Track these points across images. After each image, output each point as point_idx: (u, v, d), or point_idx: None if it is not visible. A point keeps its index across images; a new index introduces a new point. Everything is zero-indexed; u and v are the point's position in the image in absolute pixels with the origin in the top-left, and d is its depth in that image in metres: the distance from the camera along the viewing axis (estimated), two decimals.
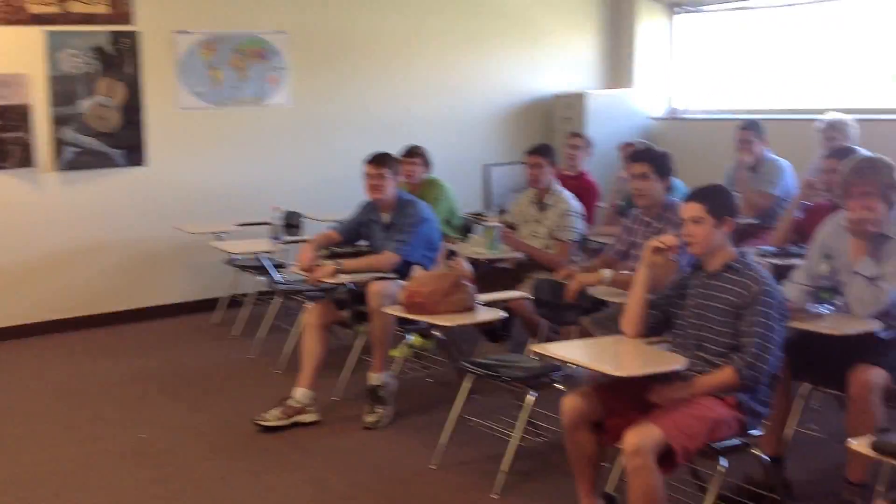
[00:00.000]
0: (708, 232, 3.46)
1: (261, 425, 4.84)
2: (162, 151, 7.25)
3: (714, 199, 3.50)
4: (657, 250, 3.63)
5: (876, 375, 3.56)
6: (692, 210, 3.48)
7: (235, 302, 7.12)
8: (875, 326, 3.67)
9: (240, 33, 7.49)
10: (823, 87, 7.80)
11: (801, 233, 5.12)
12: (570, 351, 3.75)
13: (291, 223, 6.93)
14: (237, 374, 5.90)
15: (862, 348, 3.65)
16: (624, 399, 3.40)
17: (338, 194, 7.65)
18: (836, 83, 7.74)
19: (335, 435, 4.82)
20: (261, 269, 6.68)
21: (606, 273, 4.38)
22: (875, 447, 2.44)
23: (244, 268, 6.88)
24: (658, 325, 3.63)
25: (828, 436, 4.35)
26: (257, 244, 6.47)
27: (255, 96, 7.62)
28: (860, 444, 2.50)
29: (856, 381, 3.57)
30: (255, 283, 6.89)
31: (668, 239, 3.63)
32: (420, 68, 8.29)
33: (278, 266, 6.70)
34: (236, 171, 7.58)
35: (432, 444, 4.45)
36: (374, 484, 4.24)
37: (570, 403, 3.43)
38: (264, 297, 6.98)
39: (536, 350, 3.72)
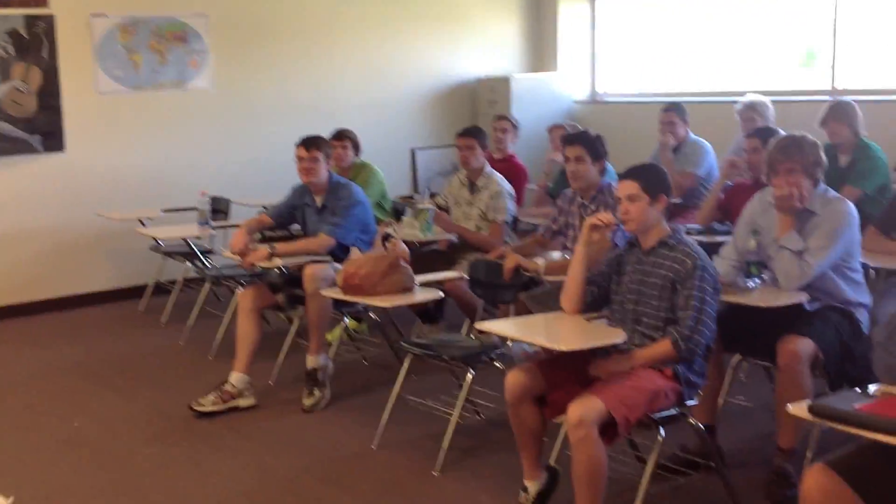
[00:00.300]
0: (643, 209, 3.54)
1: (197, 411, 4.80)
2: (81, 136, 7.09)
3: (649, 177, 3.59)
4: (595, 228, 3.70)
5: (803, 346, 3.69)
6: (628, 188, 3.56)
7: (161, 289, 7.02)
8: (802, 299, 3.81)
9: (159, 17, 7.36)
10: (741, 70, 8.01)
11: (725, 211, 5.28)
12: (513, 328, 3.81)
13: (219, 208, 6.85)
14: (168, 362, 5.83)
15: (789, 320, 3.79)
16: (566, 373, 3.47)
17: (265, 178, 7.61)
18: (752, 66, 7.96)
19: (274, 419, 4.80)
20: (188, 255, 6.60)
21: (541, 262, 4.46)
22: (812, 410, 2.55)
23: (170, 254, 6.78)
24: (596, 300, 3.71)
25: (756, 405, 4.51)
26: (185, 230, 6.38)
27: (176, 80, 7.50)
28: (798, 409, 2.60)
29: (784, 352, 3.70)
30: (181, 269, 6.80)
31: (606, 217, 3.71)
32: (344, 51, 8.25)
33: (206, 252, 6.64)
34: (160, 156, 7.45)
35: (372, 425, 4.47)
36: (317, 465, 4.24)
37: (514, 379, 3.49)
38: (191, 283, 6.90)
39: (481, 327, 3.76)
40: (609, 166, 4.94)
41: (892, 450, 2.37)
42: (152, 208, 6.96)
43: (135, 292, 7.18)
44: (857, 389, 2.65)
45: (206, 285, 6.40)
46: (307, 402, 4.90)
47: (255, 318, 5.09)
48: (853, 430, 2.44)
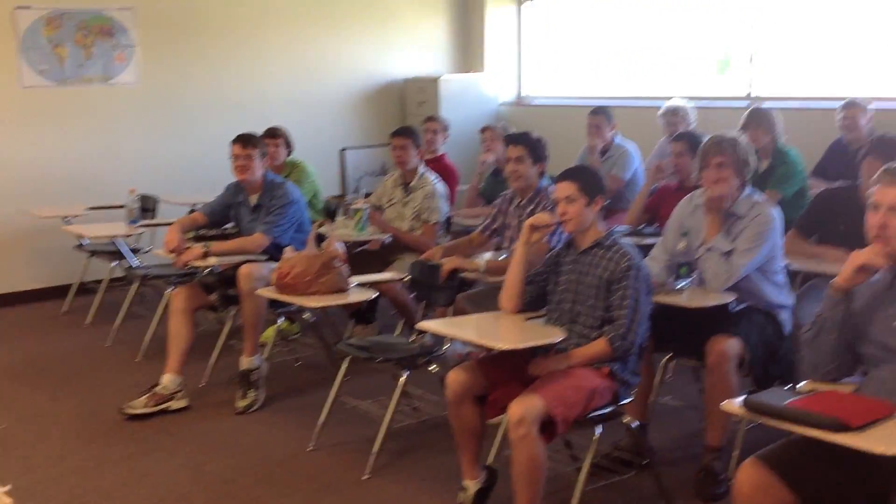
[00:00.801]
0: (580, 210, 3.63)
1: (128, 413, 4.74)
2: (4, 132, 6.93)
3: (586, 179, 3.68)
4: (534, 229, 3.78)
5: (731, 345, 3.83)
6: (566, 189, 3.64)
7: (85, 289, 6.89)
8: (729, 299, 3.94)
9: (84, 10, 7.22)
10: (664, 75, 8.21)
11: (652, 213, 5.42)
12: (454, 327, 3.86)
13: (147, 207, 6.76)
14: (95, 363, 5.73)
15: (717, 320, 3.92)
16: (505, 372, 3.54)
17: (193, 176, 7.54)
18: (675, 71, 8.16)
19: (207, 420, 4.77)
20: (114, 254, 6.50)
21: (481, 262, 4.53)
22: (746, 406, 2.65)
23: (96, 253, 6.67)
24: (534, 300, 3.78)
25: (683, 405, 4.65)
26: (113, 228, 6.28)
27: (102, 75, 7.38)
28: (732, 405, 2.70)
29: (713, 351, 3.83)
30: (106, 268, 6.68)
31: (544, 218, 3.79)
32: (274, 48, 8.20)
33: (134, 251, 6.54)
34: (85, 153, 7.32)
35: (307, 426, 4.48)
36: (251, 466, 4.23)
37: (455, 378, 3.54)
38: (116, 283, 6.79)
39: (422, 327, 3.81)
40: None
41: (820, 443, 2.49)
42: (77, 206, 6.82)
43: (58, 292, 7.03)
44: (787, 387, 2.78)
45: (134, 285, 6.30)
46: (241, 403, 4.88)
47: (188, 318, 5.04)
48: (785, 426, 2.55)
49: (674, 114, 6.52)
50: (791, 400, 2.59)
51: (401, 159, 5.71)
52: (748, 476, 2.64)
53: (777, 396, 2.65)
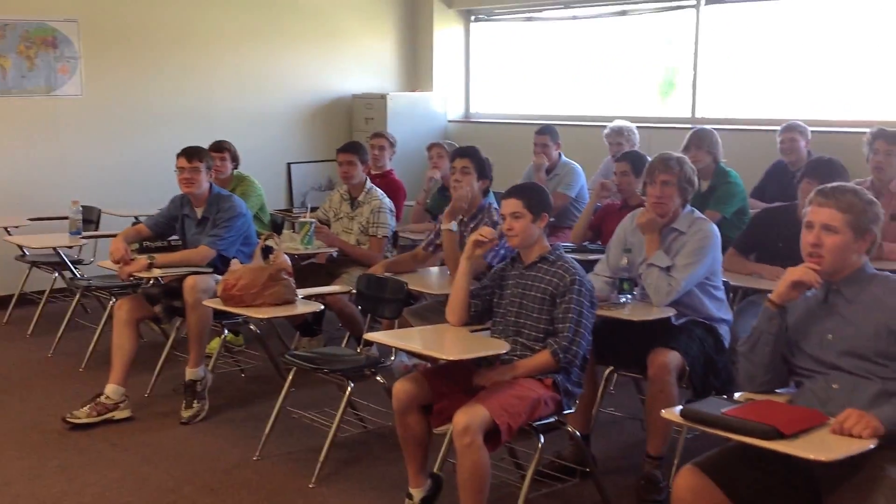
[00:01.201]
0: (526, 226, 3.70)
1: (71, 423, 4.70)
2: None
3: (532, 196, 3.75)
4: (478, 244, 3.84)
5: (671, 358, 3.92)
6: (512, 206, 3.71)
7: (27, 300, 6.80)
8: (669, 313, 4.04)
9: (28, 21, 7.17)
10: (609, 97, 8.37)
11: (596, 231, 5.53)
12: (401, 339, 3.90)
13: (89, 218, 6.70)
14: (37, 374, 5.67)
15: (658, 334, 4.02)
16: (451, 383, 3.59)
17: (137, 188, 7.49)
18: (619, 93, 8.33)
19: (151, 430, 4.75)
20: (56, 265, 6.43)
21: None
22: (684, 415, 2.74)
23: (38, 264, 6.59)
24: (480, 313, 3.84)
25: (625, 415, 4.74)
26: (55, 239, 6.22)
27: (44, 86, 7.32)
28: (670, 413, 2.79)
29: (654, 364, 3.93)
30: (46, 280, 6.60)
31: (488, 232, 3.86)
32: (220, 63, 8.20)
33: (76, 262, 6.48)
34: (27, 164, 7.25)
35: (253, 437, 4.48)
36: (196, 476, 4.22)
37: (402, 388, 3.58)
38: (58, 294, 6.72)
39: (369, 338, 3.84)
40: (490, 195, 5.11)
41: (754, 450, 2.58)
42: (19, 216, 6.73)
43: None
44: (724, 396, 2.87)
45: (76, 296, 6.24)
46: (186, 413, 4.86)
47: (132, 329, 5.02)
48: (720, 433, 2.63)
49: (618, 134, 6.66)
50: (727, 409, 2.68)
51: (347, 175, 5.74)
52: (685, 482, 2.72)
53: (713, 405, 2.74)
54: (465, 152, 4.81)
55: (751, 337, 2.97)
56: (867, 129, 5.30)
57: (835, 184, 2.94)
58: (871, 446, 2.50)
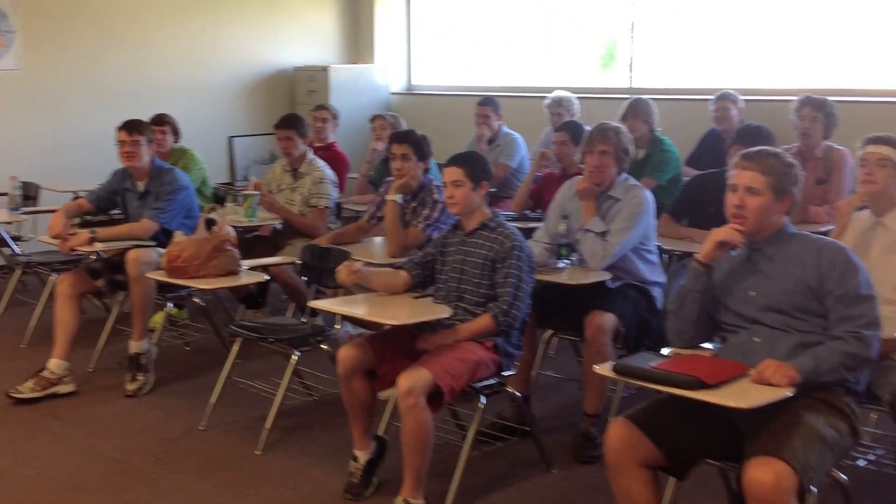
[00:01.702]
0: (467, 194, 3.79)
1: (15, 398, 4.70)
2: None
3: (472, 165, 3.84)
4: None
5: (607, 320, 4.07)
6: (453, 174, 3.80)
7: None
8: (605, 277, 4.18)
9: None
10: (549, 68, 8.47)
11: (536, 199, 5.64)
12: (346, 305, 3.97)
13: (28, 194, 6.64)
14: None
15: (595, 297, 4.15)
16: (395, 348, 3.69)
17: (76, 163, 7.42)
18: (559, 64, 8.43)
19: (96, 404, 4.77)
20: None
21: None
22: (615, 369, 2.86)
23: None
24: (423, 280, 3.93)
25: (564, 377, 4.88)
26: None
27: None
28: (603, 368, 2.91)
29: (590, 326, 4.06)
30: None
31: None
32: (160, 36, 8.13)
33: (15, 238, 6.42)
34: None
35: (199, 408, 4.53)
36: (143, 446, 4.26)
37: (346, 354, 3.66)
38: None
39: (314, 306, 3.91)
40: (433, 163, 5.18)
41: (681, 401, 2.71)
42: None
43: None
44: (653, 352, 3.00)
45: (17, 273, 6.19)
46: (131, 386, 4.89)
47: (74, 304, 5.02)
48: (649, 385, 2.76)
49: (558, 104, 6.76)
50: (655, 362, 2.81)
51: (286, 150, 5.77)
52: (617, 433, 2.85)
53: (643, 360, 2.87)
54: (403, 137, 4.85)
55: (679, 295, 3.10)
56: (795, 98, 5.47)
57: (757, 148, 3.06)
58: (789, 394, 2.65)
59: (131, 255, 4.91)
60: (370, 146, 6.77)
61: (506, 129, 6.79)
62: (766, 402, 2.59)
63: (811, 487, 2.63)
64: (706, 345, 3.12)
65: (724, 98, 6.41)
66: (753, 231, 2.97)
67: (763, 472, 2.54)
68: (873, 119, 5.87)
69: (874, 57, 6.71)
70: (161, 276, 4.56)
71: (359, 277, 3.79)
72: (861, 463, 3.69)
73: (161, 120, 6.33)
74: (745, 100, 6.47)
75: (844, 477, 2.92)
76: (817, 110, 5.26)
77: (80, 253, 5.15)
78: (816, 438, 2.66)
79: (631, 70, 7.80)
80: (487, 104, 6.77)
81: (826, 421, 2.73)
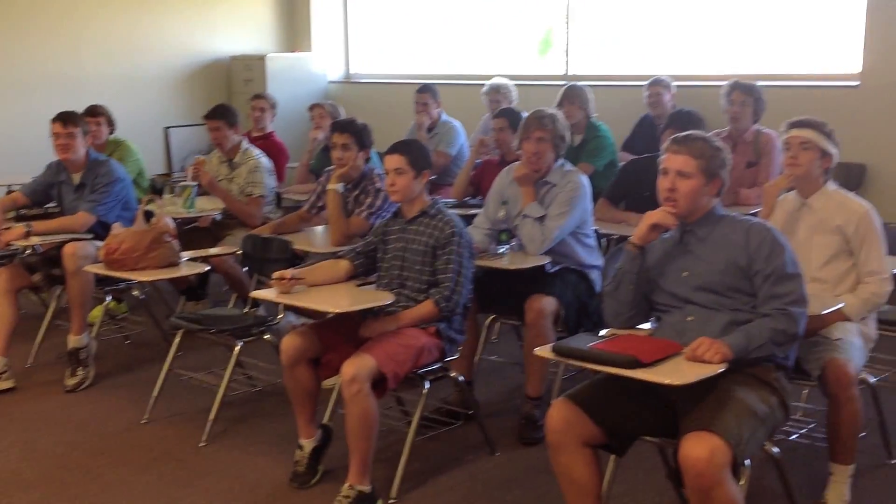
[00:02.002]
0: (409, 182, 3.82)
1: None
2: None
3: (414, 153, 3.87)
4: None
5: (547, 303, 4.14)
6: (395, 161, 3.83)
7: None
8: (545, 261, 4.25)
9: None
10: (486, 55, 8.53)
11: (476, 186, 5.69)
12: (288, 295, 3.97)
13: None
14: None
15: (535, 281, 4.22)
16: (338, 336, 3.71)
17: (9, 157, 7.28)
18: (496, 51, 8.50)
19: (36, 399, 4.72)
20: None
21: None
22: (555, 350, 2.93)
23: None
24: (365, 269, 3.96)
25: (507, 362, 4.95)
26: None
27: None
28: (543, 350, 2.98)
29: (531, 309, 4.13)
30: None
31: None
32: (93, 26, 8.02)
33: None
34: None
35: (141, 401, 4.51)
36: (85, 441, 4.23)
37: (290, 342, 3.68)
38: None
39: (255, 296, 3.92)
40: (373, 152, 5.20)
41: (618, 380, 2.78)
42: None
43: None
44: (592, 333, 3.08)
45: None
46: (70, 381, 4.84)
47: (11, 299, 4.96)
48: (587, 365, 2.84)
49: (496, 91, 6.82)
50: (593, 343, 2.88)
51: (218, 141, 5.72)
52: (558, 412, 2.91)
53: (582, 341, 2.95)
54: (344, 127, 4.85)
55: (615, 277, 3.18)
56: (725, 83, 5.60)
57: (686, 132, 3.15)
58: (721, 370, 2.74)
59: (68, 248, 4.85)
60: (310, 135, 6.76)
61: (445, 116, 6.83)
62: (699, 379, 2.68)
63: (745, 461, 2.73)
64: (643, 325, 3.20)
65: (657, 84, 6.53)
66: (685, 213, 3.05)
67: (697, 447, 2.62)
68: (800, 103, 6.04)
69: (799, 42, 6.89)
70: (100, 270, 4.52)
71: (293, 284, 3.76)
72: (793, 437, 3.83)
73: (95, 111, 6.25)
74: (677, 85, 6.60)
75: (777, 450, 3.03)
76: (746, 95, 5.39)
77: (15, 247, 5.07)
78: (748, 413, 2.75)
79: (567, 57, 7.90)
80: (426, 92, 6.80)
81: (758, 396, 2.82)
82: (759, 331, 2.85)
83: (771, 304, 2.90)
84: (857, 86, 6.31)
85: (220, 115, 5.76)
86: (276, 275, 3.77)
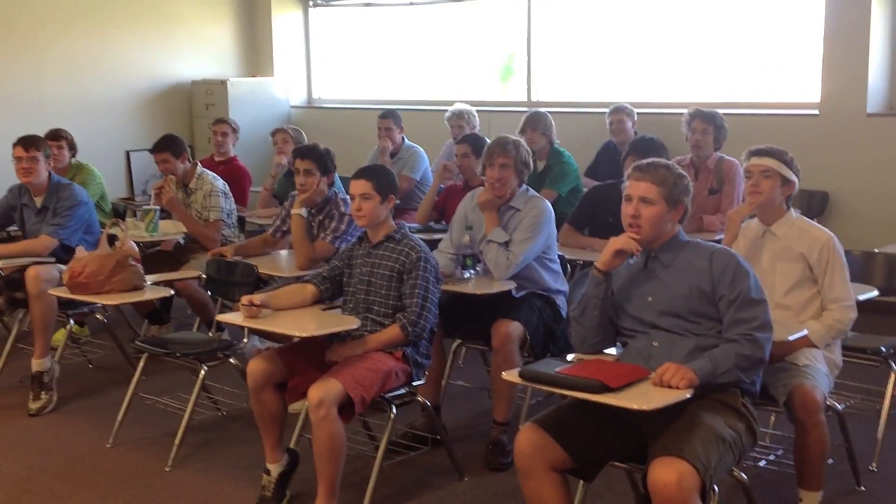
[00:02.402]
0: (375, 207, 3.85)
1: None
2: None
3: (380, 178, 3.90)
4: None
5: (513, 328, 4.17)
6: (362, 187, 3.85)
7: None
8: (510, 286, 4.28)
9: None
10: (449, 81, 8.61)
11: (440, 211, 5.73)
12: (254, 319, 3.96)
13: None
14: None
15: (501, 306, 4.25)
16: (305, 360, 3.71)
17: None
18: (459, 78, 8.58)
19: None
20: None
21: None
22: (522, 375, 2.96)
23: None
24: (330, 293, 3.97)
25: (474, 387, 4.97)
26: None
27: None
28: (510, 375, 3.01)
29: (497, 334, 4.16)
30: None
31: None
32: (55, 50, 7.98)
33: None
34: None
35: (105, 425, 4.47)
36: (50, 465, 4.20)
37: (256, 366, 3.68)
38: None
39: (221, 320, 3.90)
40: (336, 176, 5.21)
41: (586, 405, 2.81)
42: None
43: None
44: (559, 358, 3.11)
45: None
46: (34, 405, 4.79)
47: None
48: (555, 390, 2.87)
49: (459, 117, 6.88)
50: (560, 368, 2.91)
51: (167, 172, 5.68)
52: (526, 437, 2.93)
53: (549, 366, 2.97)
54: (306, 153, 4.85)
55: (581, 302, 3.22)
56: (686, 111, 5.70)
57: (649, 160, 3.21)
58: (688, 395, 2.78)
59: (31, 272, 4.82)
60: (274, 160, 6.76)
61: (408, 142, 6.87)
62: (666, 404, 2.72)
63: (713, 486, 2.76)
64: (609, 350, 3.24)
65: (619, 111, 6.64)
66: (648, 239, 3.11)
67: (666, 472, 2.65)
68: (762, 130, 6.21)
69: (760, 71, 7.05)
70: (63, 293, 4.49)
71: (259, 311, 3.74)
72: (762, 463, 3.88)
73: (57, 135, 6.21)
74: (640, 113, 6.70)
75: (745, 476, 3.07)
76: (707, 123, 5.50)
77: None
78: (716, 438, 2.79)
79: (529, 83, 7.99)
80: (389, 117, 6.84)
81: (724, 421, 2.86)
82: (725, 356, 2.89)
83: (736, 330, 2.94)
84: (816, 114, 6.46)
85: (165, 146, 5.72)
86: (243, 300, 3.77)
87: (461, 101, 7.10)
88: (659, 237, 3.11)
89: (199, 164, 5.85)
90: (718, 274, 2.99)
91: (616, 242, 3.11)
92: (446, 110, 6.99)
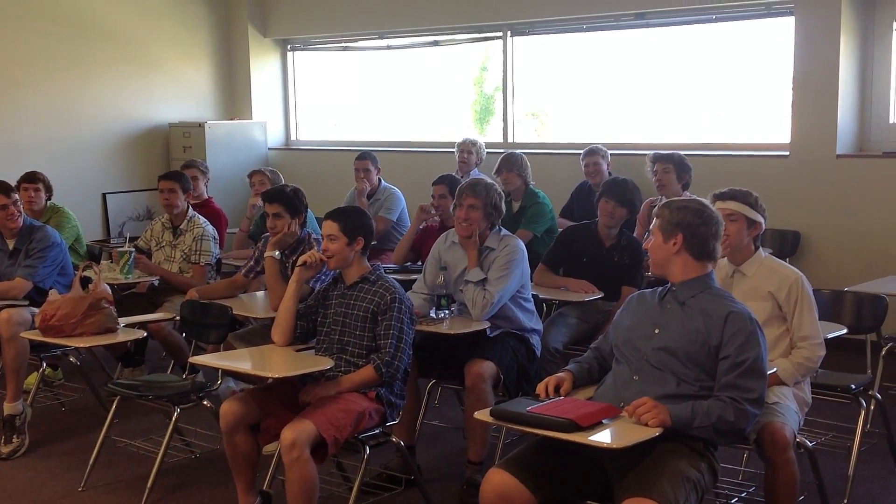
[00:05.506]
0: (341, 248, 3.86)
1: None
2: None
3: (348, 220, 3.90)
4: (306, 266, 3.98)
5: (487, 367, 4.17)
6: (328, 228, 3.87)
7: None
8: (484, 326, 4.30)
9: None
10: (427, 123, 8.68)
11: (416, 252, 5.76)
12: (227, 360, 3.97)
13: None
14: None
15: (474, 345, 4.27)
16: (278, 401, 3.71)
17: None
18: (436, 119, 8.65)
19: None
20: None
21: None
22: (493, 414, 2.97)
23: None
24: (305, 333, 3.97)
25: (448, 427, 4.96)
26: None
27: None
28: (482, 414, 3.01)
29: (471, 374, 4.17)
30: None
31: (314, 255, 4.00)
32: (28, 92, 7.99)
33: None
34: None
35: (77, 468, 4.44)
36: None
37: (229, 408, 3.66)
38: None
39: (195, 362, 3.90)
40: (311, 215, 5.22)
41: (553, 444, 2.81)
42: None
43: None
44: (531, 397, 3.13)
45: None
46: (6, 449, 4.75)
47: None
48: (525, 429, 2.87)
49: (472, 144, 7.03)
50: (532, 406, 2.92)
51: (169, 202, 5.72)
52: (490, 482, 2.90)
53: (520, 405, 2.98)
54: (273, 196, 4.84)
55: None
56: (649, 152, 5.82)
57: (684, 199, 3.27)
58: (657, 434, 2.79)
59: (3, 315, 4.81)
60: (250, 202, 6.77)
61: (385, 183, 6.91)
62: (636, 442, 2.73)
63: None
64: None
65: (594, 153, 6.70)
66: (661, 273, 3.15)
67: None
68: (733, 171, 6.31)
69: (731, 114, 7.15)
70: (35, 336, 4.47)
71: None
72: (734, 501, 3.89)
73: (34, 177, 6.22)
74: (613, 154, 6.77)
75: None
76: (667, 162, 5.67)
77: None
78: (682, 479, 2.80)
79: (505, 124, 8.06)
80: (366, 158, 6.89)
81: (688, 462, 2.87)
82: (707, 413, 2.87)
83: (729, 392, 2.91)
84: (787, 156, 6.55)
85: (176, 177, 5.79)
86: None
87: (438, 143, 7.15)
88: (682, 274, 3.12)
89: (190, 206, 5.86)
90: (731, 334, 2.96)
91: None
92: (425, 151, 7.03)
